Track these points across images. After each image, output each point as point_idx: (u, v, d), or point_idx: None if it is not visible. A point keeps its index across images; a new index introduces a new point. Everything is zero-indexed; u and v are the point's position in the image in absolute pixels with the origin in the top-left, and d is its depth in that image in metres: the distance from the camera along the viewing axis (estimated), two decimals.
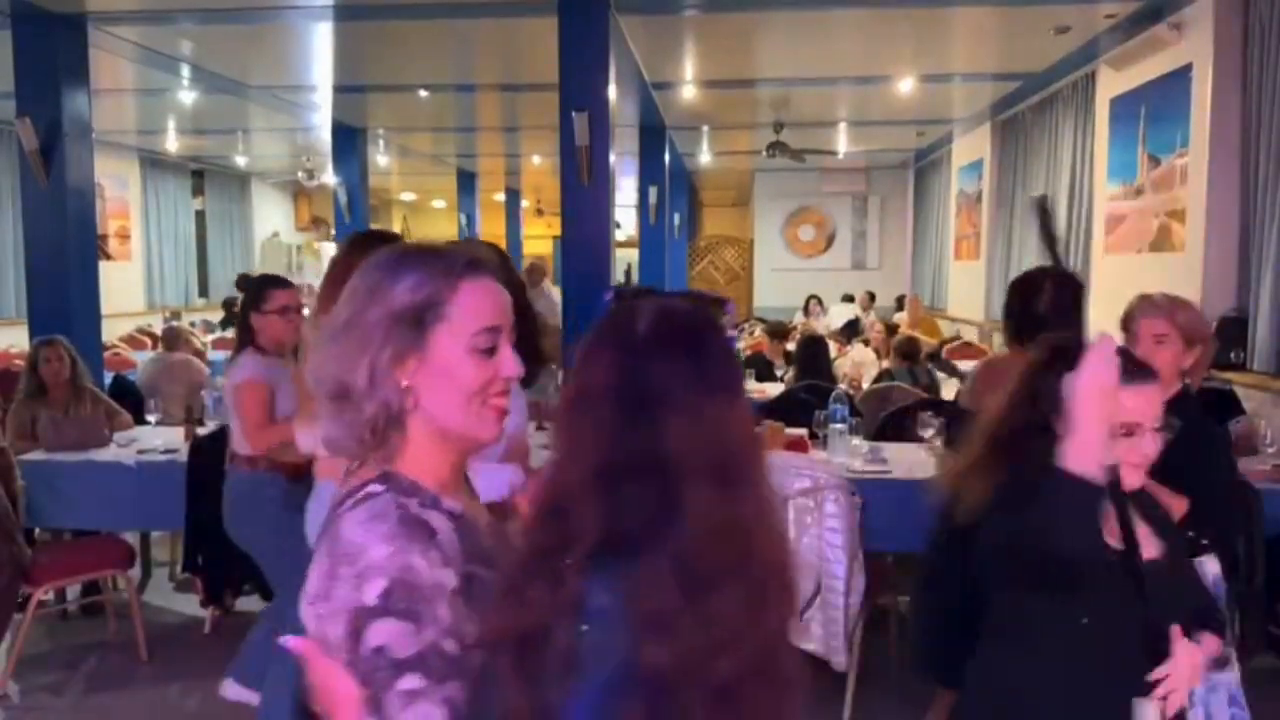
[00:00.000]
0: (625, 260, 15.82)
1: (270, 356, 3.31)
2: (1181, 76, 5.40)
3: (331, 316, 1.13)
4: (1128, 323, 2.51)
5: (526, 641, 0.94)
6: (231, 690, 3.36)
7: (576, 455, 0.99)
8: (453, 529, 1.07)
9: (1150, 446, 1.67)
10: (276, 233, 15.41)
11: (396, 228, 19.29)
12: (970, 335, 9.50)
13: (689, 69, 7.61)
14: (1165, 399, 1.75)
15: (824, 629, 3.18)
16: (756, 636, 0.95)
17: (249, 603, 4.30)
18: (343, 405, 1.09)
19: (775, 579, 1.00)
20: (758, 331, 9.79)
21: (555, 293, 8.35)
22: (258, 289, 3.37)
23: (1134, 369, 1.67)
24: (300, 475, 3.26)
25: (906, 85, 7.96)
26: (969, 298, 9.89)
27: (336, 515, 1.06)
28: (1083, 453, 1.55)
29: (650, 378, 0.98)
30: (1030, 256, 8.02)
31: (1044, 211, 1.79)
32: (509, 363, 1.13)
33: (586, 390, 1.01)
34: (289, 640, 1.05)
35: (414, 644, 0.99)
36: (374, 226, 11.99)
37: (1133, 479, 1.67)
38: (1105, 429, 1.57)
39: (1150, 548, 1.69)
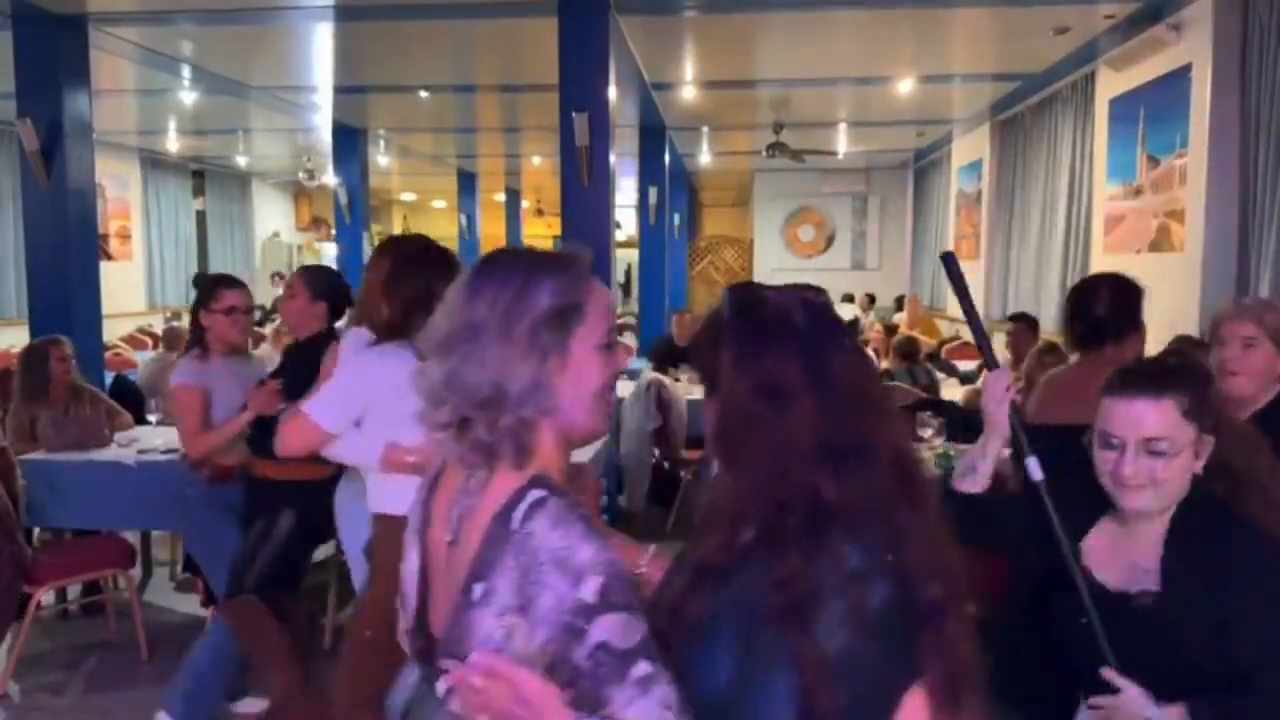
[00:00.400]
0: (625, 260, 15.83)
1: (216, 357, 3.32)
2: (1180, 77, 5.41)
3: (461, 324, 1.13)
4: (1216, 328, 2.41)
5: (800, 607, 1.00)
6: None
7: (792, 443, 1.06)
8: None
9: (1129, 468, 1.53)
10: (277, 233, 15.42)
11: (397, 228, 19.32)
12: (969, 335, 9.49)
13: (689, 70, 7.62)
14: (1258, 407, 1.64)
15: None
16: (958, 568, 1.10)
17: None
18: (495, 412, 1.10)
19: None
20: None
21: None
22: (210, 287, 3.38)
23: (1130, 380, 1.59)
24: (226, 477, 3.26)
25: (906, 86, 7.97)
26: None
27: (512, 527, 1.07)
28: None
29: (832, 364, 1.09)
30: (1030, 256, 8.03)
31: (951, 266, 1.81)
32: (622, 357, 1.22)
33: (777, 385, 1.07)
34: (474, 660, 1.02)
35: (636, 632, 1.03)
36: (376, 227, 12.02)
37: (1123, 499, 1.57)
38: (984, 451, 1.77)
39: (1136, 579, 1.58)
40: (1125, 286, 2.61)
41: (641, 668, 1.01)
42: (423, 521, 1.23)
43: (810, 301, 1.13)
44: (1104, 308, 2.53)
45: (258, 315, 12.24)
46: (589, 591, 1.02)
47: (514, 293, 1.12)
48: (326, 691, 3.23)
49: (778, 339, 1.09)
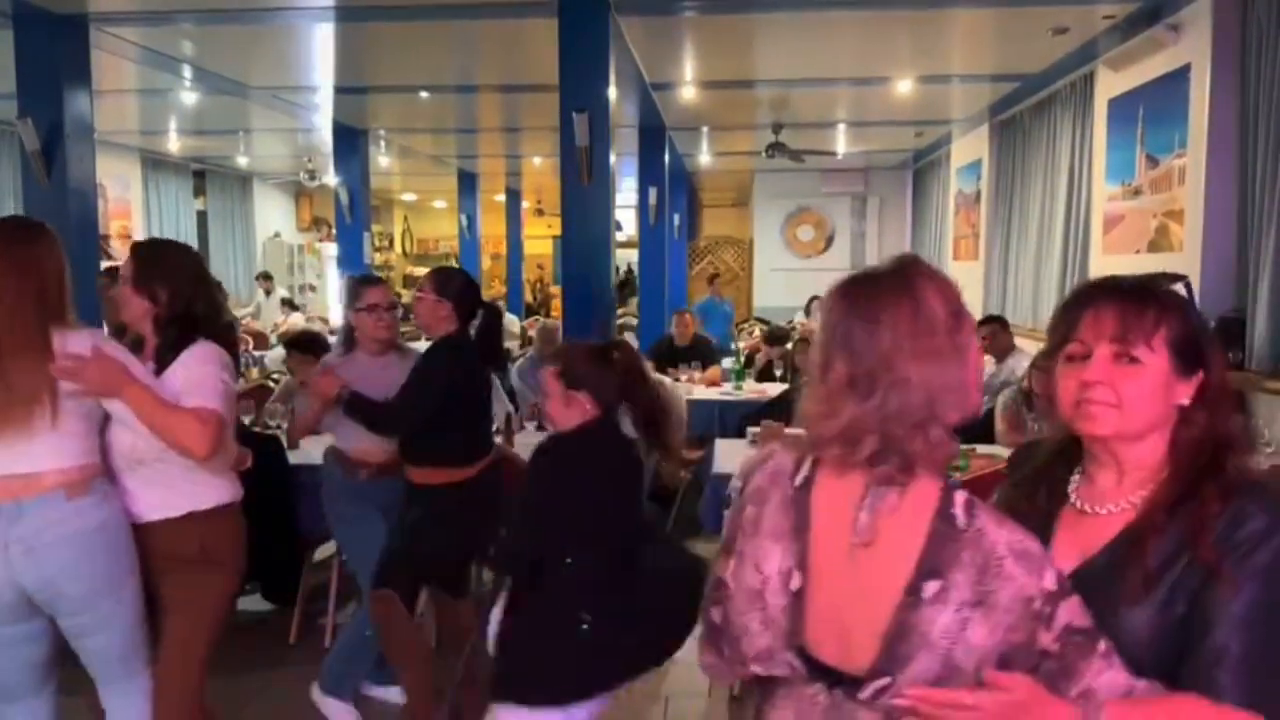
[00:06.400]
0: (625, 260, 15.84)
1: (362, 354, 3.43)
2: (1179, 77, 5.42)
3: (875, 358, 1.17)
4: None
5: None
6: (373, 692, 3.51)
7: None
8: None
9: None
10: (278, 233, 15.43)
11: (398, 228, 19.35)
12: None
13: (689, 70, 7.63)
14: None
15: None
16: None
17: (249, 602, 4.32)
18: (926, 427, 1.16)
19: None
20: (756, 332, 9.82)
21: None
22: (353, 288, 3.49)
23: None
24: (380, 476, 3.40)
25: (905, 86, 7.98)
26: (967, 297, 9.79)
27: (960, 526, 1.13)
28: None
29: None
30: (1029, 256, 8.04)
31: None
32: None
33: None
34: (918, 693, 1.12)
35: (1087, 613, 1.13)
36: (376, 227, 11.98)
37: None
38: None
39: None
40: None
41: (1104, 643, 1.12)
42: (798, 525, 1.22)
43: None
44: None
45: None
46: (1050, 580, 1.10)
47: (912, 309, 1.18)
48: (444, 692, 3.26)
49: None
